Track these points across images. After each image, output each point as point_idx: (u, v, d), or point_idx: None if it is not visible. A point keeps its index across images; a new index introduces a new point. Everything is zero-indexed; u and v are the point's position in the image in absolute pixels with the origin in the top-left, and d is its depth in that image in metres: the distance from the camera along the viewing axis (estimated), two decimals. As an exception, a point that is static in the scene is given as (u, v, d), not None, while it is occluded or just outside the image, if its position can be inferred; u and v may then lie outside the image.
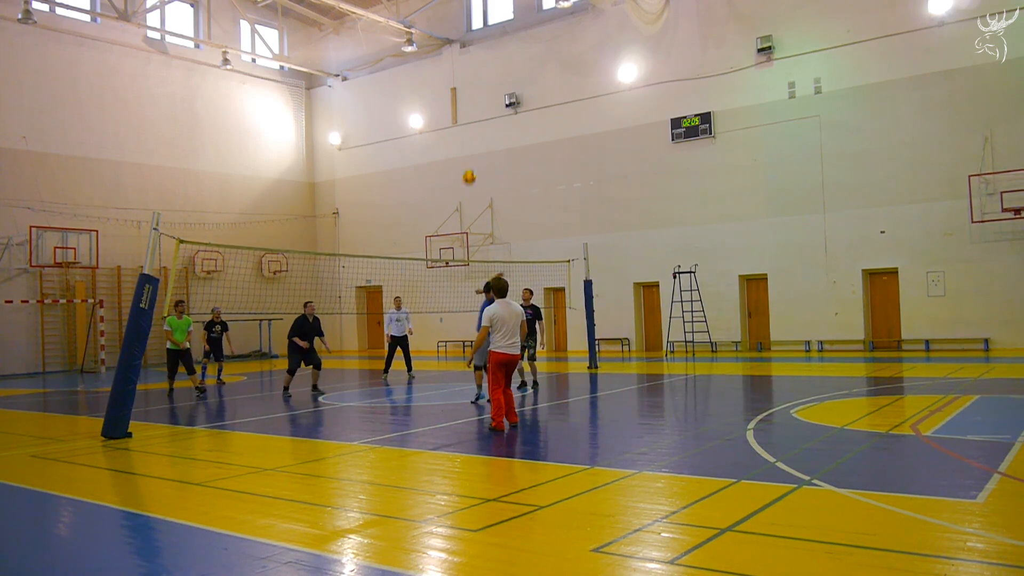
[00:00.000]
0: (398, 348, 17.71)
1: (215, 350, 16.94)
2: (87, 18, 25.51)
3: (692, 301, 22.16)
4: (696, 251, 22.69)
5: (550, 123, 25.74)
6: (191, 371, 14.93)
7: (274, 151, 30.87)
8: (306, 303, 15.09)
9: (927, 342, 19.66)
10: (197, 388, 15.03)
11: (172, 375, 15.24)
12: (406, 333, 17.61)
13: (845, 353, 20.01)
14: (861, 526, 5.13)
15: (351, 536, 5.41)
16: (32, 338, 23.54)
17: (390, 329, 17.63)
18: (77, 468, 8.34)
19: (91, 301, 23.90)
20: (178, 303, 15.34)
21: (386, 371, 18.00)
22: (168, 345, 14.95)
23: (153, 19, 27.45)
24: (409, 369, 17.79)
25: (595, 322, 18.91)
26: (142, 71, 26.54)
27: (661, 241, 23.43)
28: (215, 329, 16.81)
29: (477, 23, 28.28)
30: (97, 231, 24.24)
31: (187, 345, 14.99)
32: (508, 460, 7.99)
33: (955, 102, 19.18)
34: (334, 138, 31.44)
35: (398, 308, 17.63)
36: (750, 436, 8.54)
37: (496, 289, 9.69)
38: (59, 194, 24.03)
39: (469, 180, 19.53)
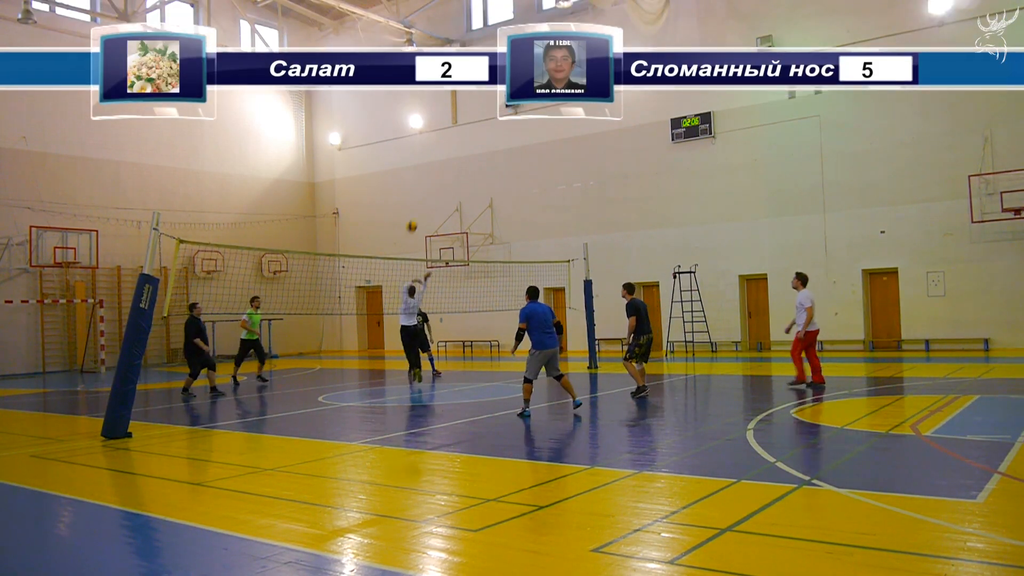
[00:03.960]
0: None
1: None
2: (87, 18, 25.51)
3: (692, 301, 22.16)
4: (696, 251, 22.68)
5: (550, 123, 25.69)
6: (263, 360, 17.19)
7: (274, 151, 30.87)
8: (193, 305, 15.28)
9: (927, 342, 19.65)
10: (261, 377, 17.23)
11: (240, 362, 17.11)
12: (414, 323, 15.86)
13: (845, 353, 20.00)
14: (861, 526, 5.13)
15: (351, 536, 5.42)
16: (32, 338, 23.53)
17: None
18: (77, 468, 8.34)
19: (91, 301, 23.90)
20: (254, 299, 17.44)
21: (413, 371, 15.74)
22: (244, 335, 16.98)
23: (153, 19, 27.43)
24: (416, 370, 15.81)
25: (595, 322, 18.91)
26: (142, 71, 26.49)
27: (661, 241, 23.42)
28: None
29: (477, 23, 28.26)
30: (97, 231, 24.23)
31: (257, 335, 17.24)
32: (508, 460, 7.99)
33: (955, 102, 19.16)
34: (334, 138, 31.44)
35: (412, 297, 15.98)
36: (750, 436, 8.54)
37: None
38: (59, 194, 24.02)
39: (412, 228, 19.54)
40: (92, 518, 6.32)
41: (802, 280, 13.16)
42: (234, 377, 16.86)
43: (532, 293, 11.06)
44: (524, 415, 10.55)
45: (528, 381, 10.61)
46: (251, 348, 16.98)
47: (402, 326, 15.81)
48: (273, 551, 5.01)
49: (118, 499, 7.12)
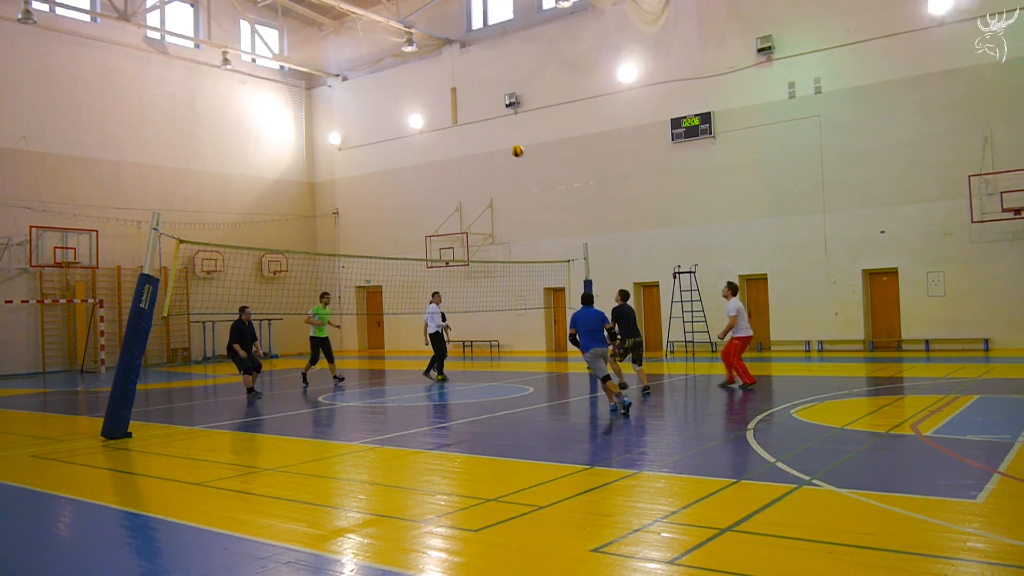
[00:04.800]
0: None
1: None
2: (87, 18, 25.50)
3: (692, 301, 22.16)
4: (696, 251, 22.68)
5: (550, 123, 25.74)
6: (331, 359, 16.59)
7: (274, 151, 30.87)
8: (242, 308, 15.06)
9: (927, 342, 19.65)
10: (336, 377, 16.50)
11: (315, 361, 16.69)
12: (438, 331, 16.73)
13: (845, 353, 20.00)
14: (861, 526, 5.13)
15: (351, 536, 5.42)
16: (32, 338, 23.53)
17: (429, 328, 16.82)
18: (77, 468, 8.35)
19: (91, 301, 23.90)
20: (324, 294, 16.98)
21: (438, 372, 16.86)
22: (313, 332, 16.53)
23: (153, 19, 27.44)
24: (435, 370, 16.87)
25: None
26: (142, 71, 26.54)
27: (661, 241, 23.42)
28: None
29: (477, 23, 28.27)
30: (97, 231, 24.24)
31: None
32: (508, 460, 7.99)
33: (955, 102, 19.17)
34: (334, 138, 31.44)
35: (438, 304, 16.95)
36: (750, 436, 8.54)
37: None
38: (59, 194, 24.03)
39: (518, 153, 19.03)
40: (92, 518, 6.32)
41: (732, 290, 13.47)
42: (303, 374, 16.53)
43: (583, 299, 11.65)
44: (624, 403, 10.61)
45: (603, 380, 10.94)
46: (320, 347, 16.49)
47: (433, 333, 16.79)
48: (273, 551, 5.01)
49: (118, 499, 7.12)
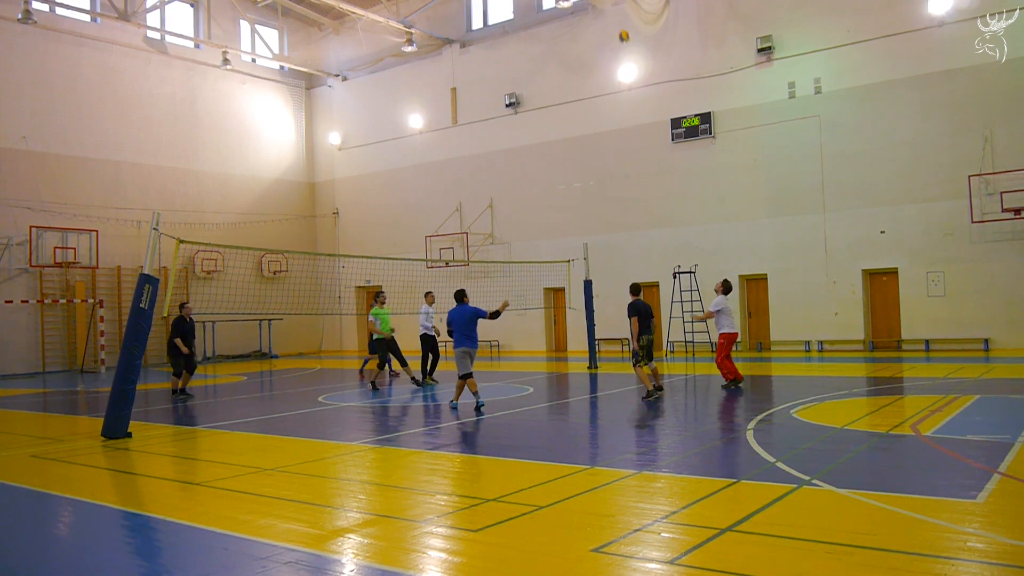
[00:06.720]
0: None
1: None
2: (87, 18, 25.49)
3: (692, 301, 22.16)
4: (696, 251, 22.68)
5: (550, 123, 25.74)
6: (403, 362, 15.65)
7: (274, 151, 30.87)
8: (182, 304, 14.84)
9: (927, 342, 19.65)
10: (413, 380, 15.49)
11: (384, 363, 15.78)
12: (430, 332, 16.18)
13: (845, 353, 20.00)
14: (861, 526, 5.13)
15: (351, 536, 5.42)
16: (32, 338, 23.53)
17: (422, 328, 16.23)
18: (77, 468, 8.34)
19: (91, 301, 23.90)
20: (379, 293, 16.24)
21: (428, 375, 16.15)
22: (375, 336, 15.64)
23: (153, 19, 27.43)
24: (430, 373, 16.23)
25: (595, 322, 18.91)
26: (142, 71, 26.54)
27: (661, 241, 23.42)
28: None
29: (477, 23, 28.26)
30: (97, 231, 24.23)
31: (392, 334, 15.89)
32: (508, 460, 7.99)
33: (955, 102, 19.17)
34: (334, 138, 31.44)
35: (430, 304, 16.44)
36: (750, 436, 8.54)
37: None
38: (59, 194, 24.03)
39: (625, 37, 18.73)
40: (92, 518, 6.32)
41: (724, 287, 13.33)
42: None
43: (456, 296, 12.02)
44: (453, 406, 11.79)
45: (461, 378, 11.60)
46: (387, 348, 15.49)
47: (423, 335, 16.26)
48: (273, 551, 5.01)
49: (118, 499, 7.12)
